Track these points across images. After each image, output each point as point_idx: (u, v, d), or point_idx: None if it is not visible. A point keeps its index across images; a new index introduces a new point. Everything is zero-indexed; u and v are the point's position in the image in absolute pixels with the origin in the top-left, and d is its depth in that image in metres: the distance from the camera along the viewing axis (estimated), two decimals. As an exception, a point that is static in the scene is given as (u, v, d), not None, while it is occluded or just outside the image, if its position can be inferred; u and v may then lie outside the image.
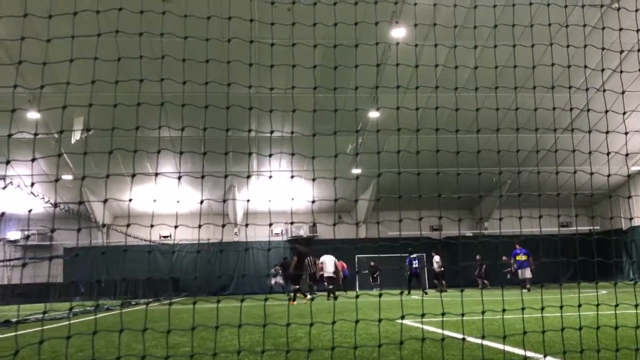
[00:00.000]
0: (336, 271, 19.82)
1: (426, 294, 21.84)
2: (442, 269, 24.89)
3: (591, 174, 5.06)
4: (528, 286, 20.66)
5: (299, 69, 4.30)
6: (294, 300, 15.55)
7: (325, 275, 19.84)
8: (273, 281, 28.25)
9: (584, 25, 5.77)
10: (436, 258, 25.20)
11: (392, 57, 18.74)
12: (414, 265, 23.12)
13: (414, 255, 23.14)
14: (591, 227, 32.19)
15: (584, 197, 30.18)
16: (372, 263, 29.93)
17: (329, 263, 19.94)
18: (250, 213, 31.32)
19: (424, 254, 29.12)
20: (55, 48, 3.83)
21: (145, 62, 4.13)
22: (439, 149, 4.72)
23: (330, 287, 19.17)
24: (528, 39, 5.19)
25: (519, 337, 5.45)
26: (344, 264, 25.66)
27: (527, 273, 20.96)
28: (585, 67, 5.26)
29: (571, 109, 5.60)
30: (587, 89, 5.37)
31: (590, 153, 5.48)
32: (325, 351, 5.30)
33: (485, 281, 27.16)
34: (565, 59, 5.37)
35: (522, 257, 21.20)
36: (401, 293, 5.59)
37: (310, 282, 20.69)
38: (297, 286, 16.68)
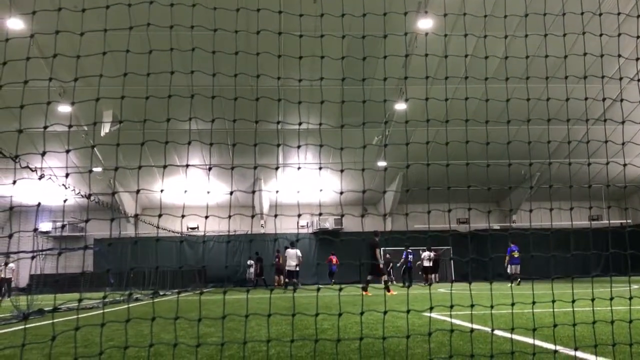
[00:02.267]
0: (297, 265, 21.59)
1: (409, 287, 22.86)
2: (432, 265, 25.67)
3: (624, 165, 4.95)
4: (519, 280, 21.90)
5: (324, 61, 4.29)
6: (388, 290, 15.75)
7: (287, 268, 21.66)
8: (249, 273, 29.02)
9: (618, 13, 5.63)
10: (425, 254, 25.69)
11: (420, 48, 18.58)
12: (409, 259, 24.19)
13: (410, 250, 24.23)
14: (622, 221, 31.56)
15: (616, 189, 29.60)
16: (387, 255, 29.53)
17: (290, 257, 21.56)
18: (276, 205, 31.49)
19: (451, 248, 29.05)
20: (85, 41, 3.89)
21: (172, 56, 4.16)
22: (468, 140, 4.67)
23: (294, 280, 21.16)
24: (559, 28, 5.08)
25: (548, 331, 5.38)
26: (333, 259, 27.36)
27: (518, 269, 22.37)
28: (619, 56, 5.13)
29: (604, 99, 5.48)
30: (620, 79, 5.23)
31: (623, 144, 5.36)
32: (352, 342, 5.31)
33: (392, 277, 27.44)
34: (598, 48, 5.25)
35: (516, 254, 22.35)
36: (430, 285, 5.55)
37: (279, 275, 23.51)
38: (384, 275, 16.94)
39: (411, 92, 20.86)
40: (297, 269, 21.66)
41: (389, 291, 15.66)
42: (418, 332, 5.98)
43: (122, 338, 6.15)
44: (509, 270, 22.30)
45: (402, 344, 5.11)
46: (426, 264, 25.66)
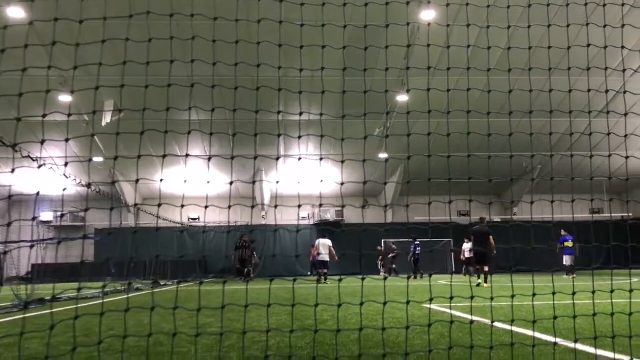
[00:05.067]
0: (330, 255, 20.70)
1: (419, 277, 23.20)
2: (470, 256, 25.11)
3: (626, 157, 4.92)
4: (574, 274, 20.49)
5: (325, 51, 4.25)
6: (485, 281, 15.51)
7: (319, 259, 20.80)
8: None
9: (622, 5, 5.58)
10: (466, 246, 25.09)
11: (422, 38, 18.49)
12: (417, 251, 24.05)
13: (418, 242, 24.14)
14: (624, 214, 31.56)
15: (618, 182, 29.57)
16: (393, 246, 29.18)
17: (322, 247, 20.80)
18: (276, 197, 31.47)
19: (452, 240, 29.02)
20: (84, 30, 3.85)
21: (172, 45, 4.13)
22: (470, 131, 4.64)
23: (325, 270, 20.30)
24: (563, 19, 5.04)
25: (548, 323, 5.37)
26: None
27: (573, 260, 20.90)
28: (623, 47, 5.09)
29: (607, 91, 5.44)
30: (624, 70, 5.20)
31: (626, 136, 5.32)
32: (352, 333, 5.31)
33: (395, 268, 27.30)
34: (601, 39, 5.20)
35: (570, 244, 20.88)
36: (434, 276, 5.54)
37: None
38: (486, 266, 16.26)
39: (413, 83, 20.79)
40: (327, 258, 20.76)
41: (486, 282, 15.38)
42: (418, 324, 5.98)
43: (122, 328, 6.15)
44: (564, 262, 20.83)
45: (402, 335, 5.11)
46: (468, 255, 24.92)
